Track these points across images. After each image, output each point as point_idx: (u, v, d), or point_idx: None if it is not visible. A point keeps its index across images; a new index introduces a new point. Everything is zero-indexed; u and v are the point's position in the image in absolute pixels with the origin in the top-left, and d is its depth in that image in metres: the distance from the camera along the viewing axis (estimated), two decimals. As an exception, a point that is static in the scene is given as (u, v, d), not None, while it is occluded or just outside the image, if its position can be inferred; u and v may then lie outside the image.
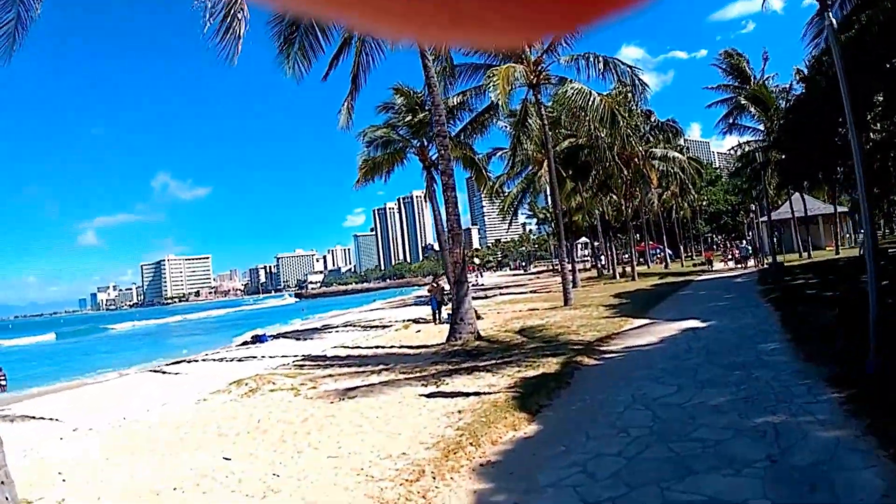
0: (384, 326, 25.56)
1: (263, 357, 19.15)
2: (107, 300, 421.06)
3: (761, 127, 38.31)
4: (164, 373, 18.13)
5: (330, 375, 12.50)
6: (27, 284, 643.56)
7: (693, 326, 13.67)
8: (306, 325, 34.73)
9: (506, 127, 28.52)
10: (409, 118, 24.28)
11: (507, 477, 5.57)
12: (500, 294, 39.94)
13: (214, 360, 20.36)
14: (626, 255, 51.40)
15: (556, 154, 37.23)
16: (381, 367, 13.02)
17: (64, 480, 6.79)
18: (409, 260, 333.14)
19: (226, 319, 76.48)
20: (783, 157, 28.18)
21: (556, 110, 33.72)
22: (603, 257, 56.88)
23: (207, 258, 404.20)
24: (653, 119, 44.30)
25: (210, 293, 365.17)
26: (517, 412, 7.58)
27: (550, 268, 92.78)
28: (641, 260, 61.14)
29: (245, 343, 26.28)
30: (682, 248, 62.57)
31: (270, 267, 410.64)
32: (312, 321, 38.20)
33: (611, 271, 46.50)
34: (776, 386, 7.40)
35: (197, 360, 20.78)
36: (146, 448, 7.93)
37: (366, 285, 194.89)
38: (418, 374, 11.35)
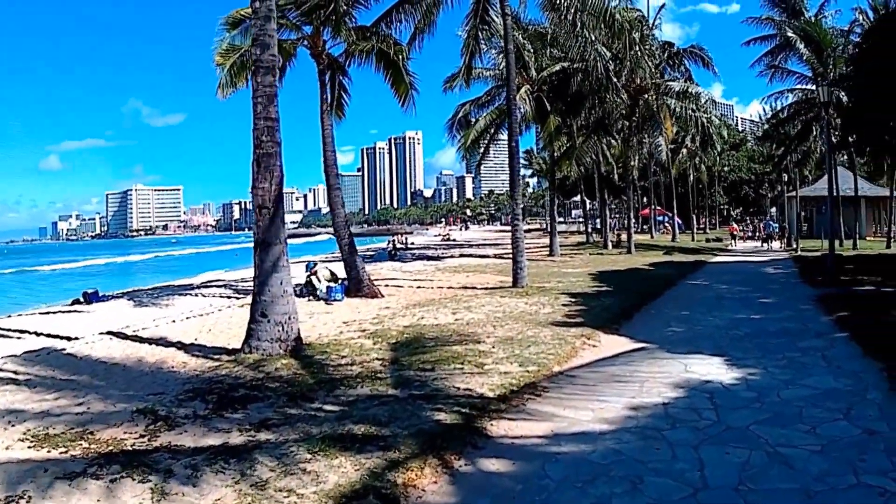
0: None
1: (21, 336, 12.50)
2: (68, 230, 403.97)
3: (810, 73, 31.61)
4: None
5: None
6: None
7: (708, 380, 7.16)
8: (189, 281, 27.77)
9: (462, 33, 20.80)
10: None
11: None
12: (461, 255, 33.80)
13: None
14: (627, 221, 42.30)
15: (542, 80, 29.90)
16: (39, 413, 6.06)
17: None
18: (396, 205, 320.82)
19: (154, 263, 70.07)
20: (850, 102, 20.83)
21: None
22: (598, 220, 49.02)
23: (178, 189, 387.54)
24: (673, 49, 36.25)
25: (179, 227, 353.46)
26: None
27: (542, 226, 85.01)
28: (645, 227, 53.79)
29: (76, 301, 19.58)
30: (694, 218, 54.80)
31: (245, 203, 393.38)
32: (199, 277, 30.88)
33: (603, 238, 38.69)
34: None
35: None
36: None
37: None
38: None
